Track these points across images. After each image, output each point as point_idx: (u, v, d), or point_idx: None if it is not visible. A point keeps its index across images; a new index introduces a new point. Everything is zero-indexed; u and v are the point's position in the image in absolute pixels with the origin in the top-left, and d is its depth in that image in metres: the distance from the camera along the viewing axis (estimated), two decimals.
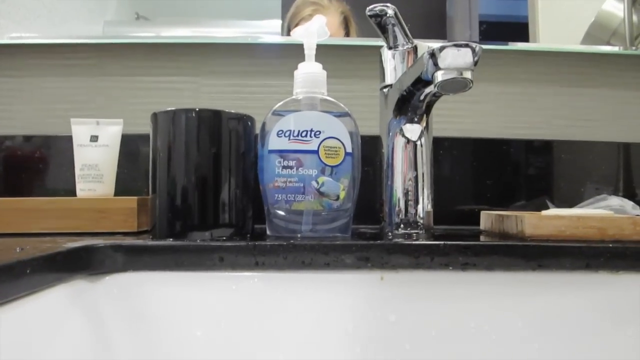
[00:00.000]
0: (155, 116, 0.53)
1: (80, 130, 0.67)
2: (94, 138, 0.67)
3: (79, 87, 0.83)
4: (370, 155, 0.79)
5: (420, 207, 0.59)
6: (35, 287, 0.38)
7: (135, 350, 0.46)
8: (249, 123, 0.56)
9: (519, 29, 0.86)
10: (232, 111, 0.54)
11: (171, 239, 0.50)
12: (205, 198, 0.52)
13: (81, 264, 0.45)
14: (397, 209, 0.60)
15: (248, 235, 0.54)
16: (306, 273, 0.48)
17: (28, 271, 0.36)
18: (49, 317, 0.39)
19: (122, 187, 0.71)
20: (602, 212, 0.59)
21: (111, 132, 0.68)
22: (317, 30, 0.56)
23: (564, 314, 0.49)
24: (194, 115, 0.52)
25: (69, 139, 0.67)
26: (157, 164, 0.52)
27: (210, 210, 0.52)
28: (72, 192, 0.67)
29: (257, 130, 0.57)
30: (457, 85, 0.51)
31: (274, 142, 0.54)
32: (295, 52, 0.57)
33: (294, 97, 0.57)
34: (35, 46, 0.83)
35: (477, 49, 0.48)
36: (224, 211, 0.52)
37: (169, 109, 0.53)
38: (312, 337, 0.48)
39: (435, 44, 0.50)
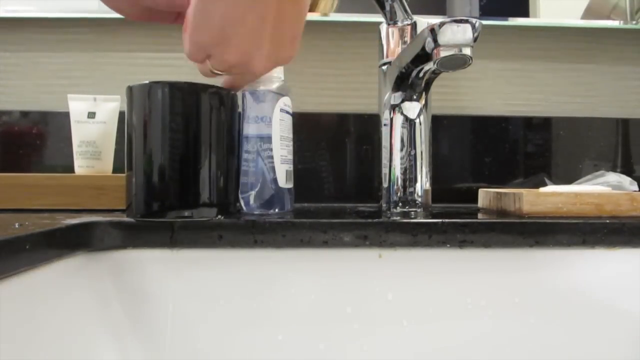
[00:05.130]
0: (130, 90, 0.50)
1: (77, 107, 0.67)
2: (92, 115, 0.66)
3: (76, 63, 0.82)
4: (369, 133, 0.79)
5: (418, 185, 0.59)
6: (35, 263, 0.38)
7: (133, 326, 0.47)
8: (231, 98, 0.54)
9: (519, 4, 0.85)
10: (213, 85, 0.51)
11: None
12: (185, 176, 0.49)
13: (80, 241, 0.45)
14: (395, 187, 0.60)
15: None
16: (305, 251, 0.48)
17: (27, 247, 0.36)
18: (48, 293, 0.39)
19: (121, 164, 0.71)
20: (600, 189, 0.59)
21: (109, 109, 0.67)
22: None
23: (560, 290, 0.49)
24: (171, 88, 0.49)
25: (66, 115, 0.67)
26: (132, 140, 0.50)
27: (190, 188, 0.50)
28: (70, 169, 0.67)
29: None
30: (456, 62, 0.50)
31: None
32: None
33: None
34: (31, 20, 0.82)
35: (476, 24, 0.48)
36: (204, 190, 0.50)
37: (145, 82, 0.50)
38: (310, 315, 0.48)
39: (434, 20, 0.49)
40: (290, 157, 0.58)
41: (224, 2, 0.40)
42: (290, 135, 0.58)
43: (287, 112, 0.57)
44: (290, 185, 0.57)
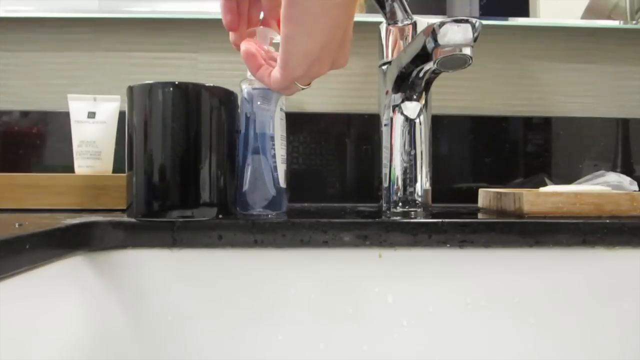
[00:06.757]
0: (131, 90, 0.50)
1: (77, 107, 0.67)
2: (92, 114, 0.66)
3: (76, 62, 0.82)
4: (369, 133, 0.79)
5: (418, 185, 0.59)
6: (35, 262, 0.38)
7: (134, 326, 0.47)
8: (232, 98, 0.54)
9: (519, 4, 0.85)
10: (213, 85, 0.51)
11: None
12: (186, 176, 0.49)
13: (81, 240, 0.45)
14: (395, 187, 0.60)
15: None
16: (305, 251, 0.48)
17: (27, 247, 0.36)
18: (49, 293, 0.39)
19: (121, 164, 0.71)
20: (600, 189, 0.59)
21: (108, 109, 0.67)
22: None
23: (560, 290, 0.49)
24: (171, 89, 0.49)
25: (66, 115, 0.67)
26: (133, 140, 0.50)
27: (191, 188, 0.49)
28: (70, 169, 0.67)
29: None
30: (456, 61, 0.50)
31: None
32: None
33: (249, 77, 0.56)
34: (31, 20, 0.82)
35: (476, 24, 0.48)
36: (205, 189, 0.50)
37: (146, 82, 0.50)
38: (310, 315, 0.48)
39: (434, 20, 0.49)
40: (285, 156, 0.57)
41: (322, 32, 0.42)
42: (285, 135, 0.58)
43: (284, 112, 0.57)
44: (285, 185, 0.57)
